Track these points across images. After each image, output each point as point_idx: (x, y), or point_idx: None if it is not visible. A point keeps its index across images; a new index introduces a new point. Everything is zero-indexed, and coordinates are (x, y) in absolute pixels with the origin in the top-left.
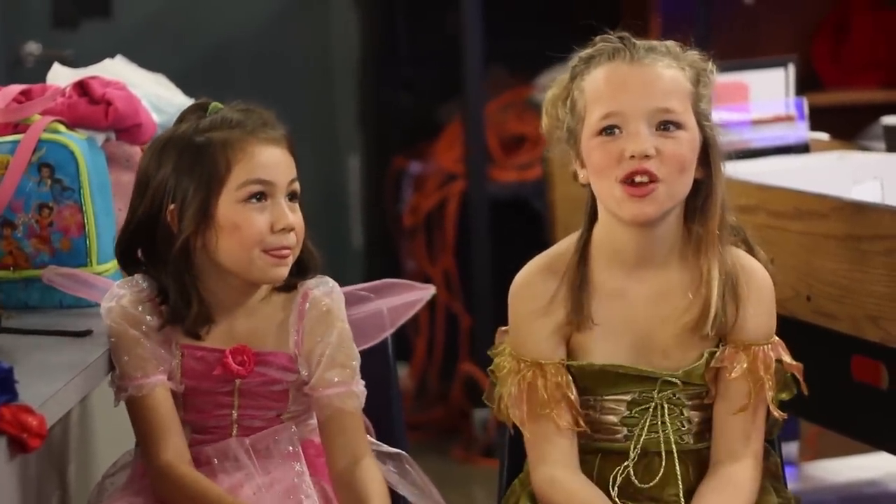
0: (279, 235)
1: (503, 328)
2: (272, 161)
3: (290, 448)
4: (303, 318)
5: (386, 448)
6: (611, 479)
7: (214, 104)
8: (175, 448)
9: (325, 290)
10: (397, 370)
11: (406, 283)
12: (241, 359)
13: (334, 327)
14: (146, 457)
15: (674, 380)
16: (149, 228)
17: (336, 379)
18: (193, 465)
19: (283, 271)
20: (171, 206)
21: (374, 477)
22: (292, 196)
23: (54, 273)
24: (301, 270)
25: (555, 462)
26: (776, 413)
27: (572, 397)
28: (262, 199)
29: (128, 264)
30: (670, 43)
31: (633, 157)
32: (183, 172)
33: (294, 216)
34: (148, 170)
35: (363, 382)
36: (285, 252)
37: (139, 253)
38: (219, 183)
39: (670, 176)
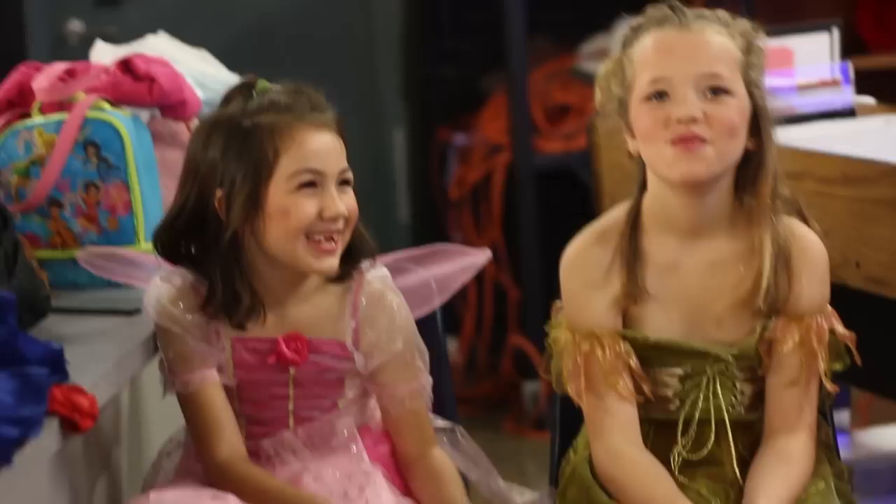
0: (327, 222)
1: (558, 302)
2: (322, 148)
3: (346, 433)
4: (357, 310)
5: (440, 422)
6: (671, 457)
7: (262, 83)
8: (230, 444)
9: (381, 282)
10: (446, 344)
11: (459, 247)
12: (295, 346)
13: (395, 323)
14: (202, 454)
15: (726, 357)
16: (198, 216)
17: (406, 378)
18: (250, 457)
19: (332, 262)
20: (219, 193)
21: (445, 465)
22: (344, 182)
23: (90, 254)
24: (354, 258)
25: (616, 434)
26: (829, 386)
27: (633, 364)
28: (313, 186)
29: (172, 254)
30: (721, 11)
31: (679, 121)
32: (231, 158)
33: (346, 202)
34: (195, 154)
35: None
36: (330, 246)
37: (184, 243)
38: (268, 172)
39: (720, 139)
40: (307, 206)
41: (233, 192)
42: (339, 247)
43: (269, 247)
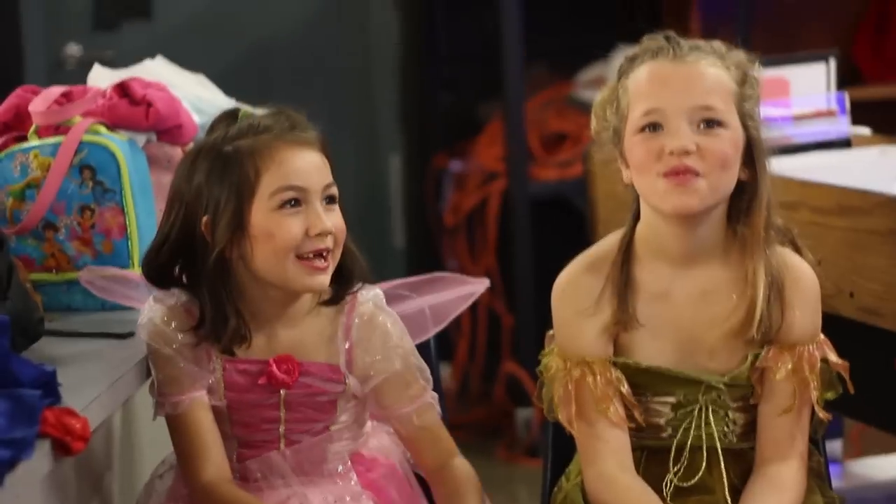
0: (315, 240)
1: (550, 332)
2: (303, 166)
3: (338, 458)
4: (350, 333)
5: None
6: (663, 484)
7: (244, 111)
8: (216, 465)
9: (373, 303)
10: (439, 370)
11: (458, 276)
12: (286, 367)
13: (389, 343)
14: (186, 476)
15: (718, 385)
16: (184, 243)
17: (409, 396)
18: (237, 480)
19: (323, 279)
20: (205, 218)
21: (464, 475)
22: (330, 199)
23: (93, 274)
24: (346, 279)
25: (608, 460)
26: (821, 414)
27: (624, 391)
28: (297, 205)
29: (161, 281)
30: (716, 43)
31: (672, 153)
32: (214, 183)
33: (332, 219)
34: (180, 184)
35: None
36: (321, 263)
37: (176, 270)
38: (250, 192)
39: (712, 172)
40: (292, 226)
41: (217, 214)
42: (331, 265)
43: (257, 269)
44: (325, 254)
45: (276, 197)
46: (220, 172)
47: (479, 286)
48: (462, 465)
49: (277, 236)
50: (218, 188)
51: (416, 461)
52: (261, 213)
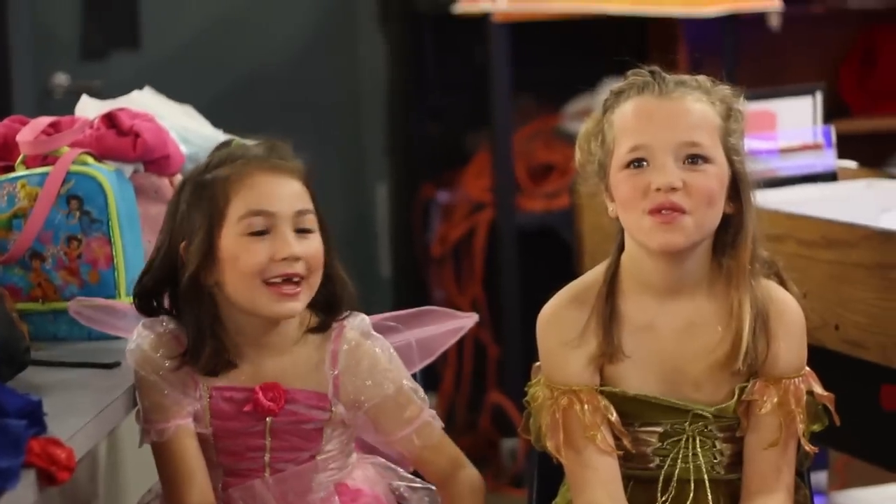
0: (281, 264)
1: (537, 364)
2: (273, 191)
3: (322, 488)
4: (337, 360)
5: (418, 483)
6: None
7: (237, 142)
8: (200, 492)
9: (359, 329)
10: None
11: (447, 311)
12: (271, 395)
13: (378, 367)
14: (171, 503)
15: (705, 413)
16: (169, 272)
17: (406, 419)
18: None
19: (293, 306)
20: (183, 243)
21: (467, 489)
22: (302, 227)
23: (81, 305)
24: (334, 306)
25: (597, 490)
26: (807, 447)
27: (613, 418)
28: (265, 230)
29: (150, 308)
30: (701, 77)
31: (658, 189)
32: (193, 209)
33: (302, 246)
34: (168, 214)
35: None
36: (290, 290)
37: (164, 298)
38: (219, 216)
39: (698, 209)
40: (258, 251)
41: (191, 240)
42: (303, 291)
43: (230, 295)
44: (295, 279)
45: (244, 222)
46: (197, 199)
47: (467, 321)
48: (466, 478)
49: (242, 260)
50: (195, 215)
51: (424, 475)
52: (229, 238)
